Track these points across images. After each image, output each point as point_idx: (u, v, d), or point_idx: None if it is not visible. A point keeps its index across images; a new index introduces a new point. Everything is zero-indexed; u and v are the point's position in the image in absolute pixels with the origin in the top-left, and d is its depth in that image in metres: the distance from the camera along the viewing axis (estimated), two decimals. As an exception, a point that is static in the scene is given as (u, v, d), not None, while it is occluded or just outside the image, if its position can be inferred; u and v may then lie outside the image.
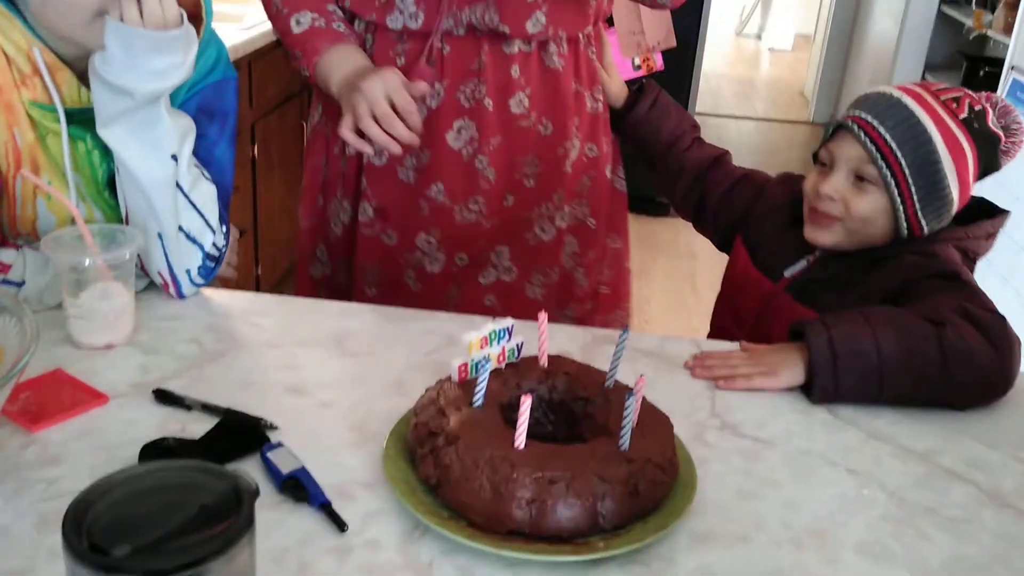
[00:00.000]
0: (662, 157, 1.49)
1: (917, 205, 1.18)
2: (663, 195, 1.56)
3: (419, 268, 1.44)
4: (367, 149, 1.25)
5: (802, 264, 1.29)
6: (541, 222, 1.44)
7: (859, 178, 1.20)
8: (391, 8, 1.32)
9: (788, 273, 1.29)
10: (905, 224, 1.19)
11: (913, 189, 1.17)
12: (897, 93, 1.20)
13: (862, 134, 1.19)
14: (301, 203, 1.54)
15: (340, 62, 1.30)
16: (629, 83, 1.53)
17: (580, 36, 1.39)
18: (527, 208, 1.43)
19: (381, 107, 1.21)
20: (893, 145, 1.17)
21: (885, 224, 1.21)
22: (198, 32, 1.10)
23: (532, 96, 1.37)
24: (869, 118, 1.19)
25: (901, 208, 1.18)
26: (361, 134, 1.24)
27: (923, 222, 1.19)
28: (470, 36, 1.32)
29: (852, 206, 1.21)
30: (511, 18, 1.30)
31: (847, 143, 1.21)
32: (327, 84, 1.31)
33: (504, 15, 1.30)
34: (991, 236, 1.23)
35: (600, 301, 1.56)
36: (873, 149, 1.18)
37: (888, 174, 1.17)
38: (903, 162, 1.17)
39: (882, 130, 1.17)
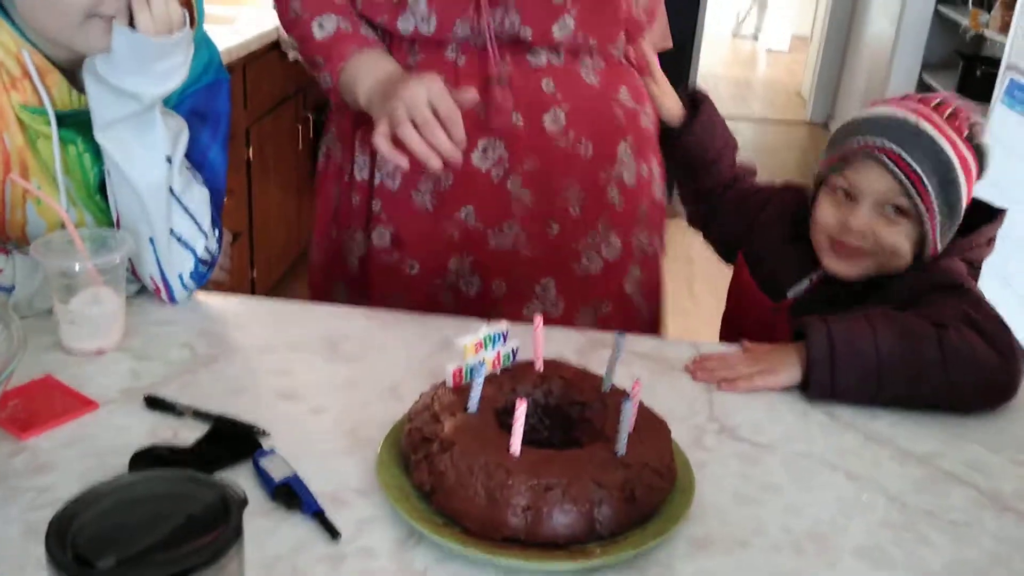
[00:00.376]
0: (700, 175, 1.43)
1: (938, 231, 1.16)
2: (683, 204, 1.51)
3: (455, 288, 1.33)
4: (402, 162, 1.11)
5: (804, 284, 1.26)
6: (588, 253, 1.32)
7: (893, 208, 1.17)
8: (403, 8, 1.20)
9: (791, 294, 1.27)
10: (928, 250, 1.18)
11: (939, 218, 1.15)
12: (913, 118, 1.16)
13: (893, 165, 1.14)
14: (313, 235, 1.44)
15: (371, 67, 1.19)
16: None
17: (614, 51, 1.30)
18: (575, 238, 1.31)
19: (423, 113, 1.08)
20: (923, 176, 1.14)
21: (910, 252, 1.18)
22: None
23: (569, 114, 1.26)
24: (895, 147, 1.15)
25: (929, 236, 1.16)
26: (398, 145, 1.11)
27: (939, 245, 1.18)
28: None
29: (881, 238, 1.17)
30: (534, 20, 1.20)
31: (873, 174, 1.17)
32: (353, 92, 1.20)
33: (526, 17, 1.19)
34: (991, 240, 1.22)
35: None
36: (907, 182, 1.14)
37: (923, 207, 1.15)
38: (932, 192, 1.14)
39: (910, 160, 1.14)
